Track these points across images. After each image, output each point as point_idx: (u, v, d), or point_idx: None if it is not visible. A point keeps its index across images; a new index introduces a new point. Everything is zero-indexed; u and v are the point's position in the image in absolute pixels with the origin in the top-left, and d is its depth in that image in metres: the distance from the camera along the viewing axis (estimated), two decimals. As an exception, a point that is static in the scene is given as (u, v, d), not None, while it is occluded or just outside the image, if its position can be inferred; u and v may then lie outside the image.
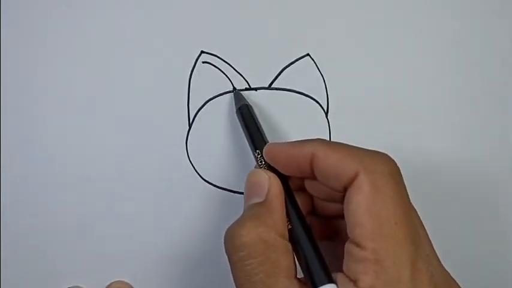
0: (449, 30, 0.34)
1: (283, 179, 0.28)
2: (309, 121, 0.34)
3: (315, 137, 0.27)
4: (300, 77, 0.33)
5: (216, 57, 0.33)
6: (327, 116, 0.34)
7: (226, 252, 0.26)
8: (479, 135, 0.35)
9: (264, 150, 0.29)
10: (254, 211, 0.26)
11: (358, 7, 0.33)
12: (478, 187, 0.36)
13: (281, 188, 0.27)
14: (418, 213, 0.27)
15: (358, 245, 0.24)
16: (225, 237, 0.26)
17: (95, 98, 0.32)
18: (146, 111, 0.33)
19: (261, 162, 0.29)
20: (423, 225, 0.26)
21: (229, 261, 0.25)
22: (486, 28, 0.34)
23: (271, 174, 0.27)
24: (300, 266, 0.26)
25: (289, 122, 0.34)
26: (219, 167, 0.34)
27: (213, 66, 0.33)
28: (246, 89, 0.33)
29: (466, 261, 0.35)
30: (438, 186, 0.35)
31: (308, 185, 0.29)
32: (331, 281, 0.24)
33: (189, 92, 0.33)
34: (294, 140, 0.28)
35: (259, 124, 0.31)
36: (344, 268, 0.25)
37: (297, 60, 0.33)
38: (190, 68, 0.33)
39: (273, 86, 0.33)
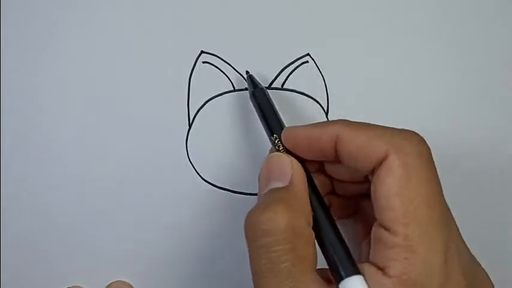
0: (449, 30, 0.34)
1: (302, 163, 0.26)
2: (309, 121, 0.33)
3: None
4: (300, 76, 0.33)
5: (216, 57, 0.33)
6: (327, 116, 0.34)
7: (247, 237, 0.24)
8: (479, 135, 0.35)
9: (282, 134, 0.27)
10: (280, 196, 0.24)
11: (358, 7, 0.33)
12: (477, 187, 0.36)
13: (304, 173, 0.26)
14: None
15: (388, 229, 0.23)
16: (247, 221, 0.24)
17: (94, 98, 0.32)
18: (146, 111, 0.33)
19: (278, 147, 0.28)
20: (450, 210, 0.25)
21: (250, 247, 0.23)
22: (486, 28, 0.34)
23: (293, 159, 0.26)
24: (324, 255, 0.24)
25: (289, 122, 0.33)
26: (219, 167, 0.34)
27: (213, 66, 0.33)
28: (246, 89, 0.33)
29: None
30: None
31: (328, 167, 0.28)
32: (357, 272, 0.23)
33: (189, 92, 0.33)
34: (313, 123, 0.26)
35: (276, 108, 0.30)
36: (371, 255, 0.23)
37: (297, 60, 0.33)
38: (190, 68, 0.33)
39: (273, 86, 0.33)
